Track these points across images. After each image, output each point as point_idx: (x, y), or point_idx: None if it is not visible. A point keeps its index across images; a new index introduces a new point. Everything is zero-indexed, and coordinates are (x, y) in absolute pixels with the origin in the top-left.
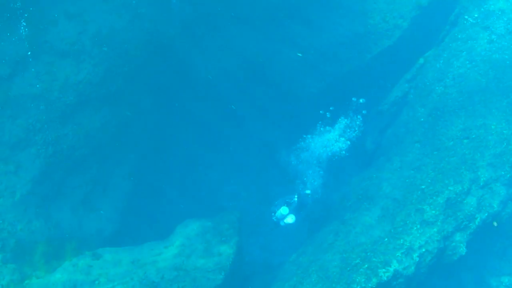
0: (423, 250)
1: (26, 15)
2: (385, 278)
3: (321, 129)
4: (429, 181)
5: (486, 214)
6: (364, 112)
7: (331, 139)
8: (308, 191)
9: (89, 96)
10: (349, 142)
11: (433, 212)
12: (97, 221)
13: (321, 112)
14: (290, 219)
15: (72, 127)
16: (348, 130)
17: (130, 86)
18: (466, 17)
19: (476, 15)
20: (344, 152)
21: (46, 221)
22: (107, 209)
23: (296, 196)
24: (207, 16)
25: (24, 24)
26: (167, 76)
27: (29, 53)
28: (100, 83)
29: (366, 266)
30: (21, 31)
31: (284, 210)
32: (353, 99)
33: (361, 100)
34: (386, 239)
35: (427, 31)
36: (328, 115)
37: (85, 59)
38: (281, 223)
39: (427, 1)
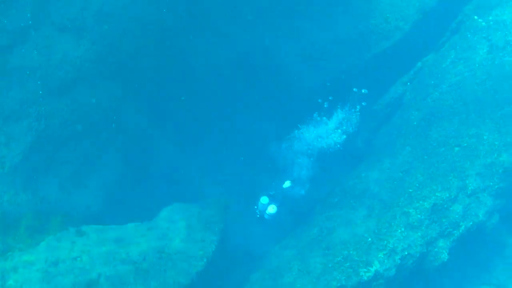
0: (406, 253)
1: None
2: (366, 278)
3: (317, 120)
4: (417, 185)
5: (471, 223)
6: (363, 104)
7: (325, 132)
8: (288, 182)
9: (86, 73)
10: (345, 136)
11: (419, 216)
12: (84, 197)
13: (319, 101)
14: (272, 209)
15: (66, 102)
16: (344, 124)
17: (128, 66)
18: (468, 25)
19: (478, 25)
20: (338, 145)
21: (33, 194)
22: (95, 186)
23: (285, 185)
24: (210, 7)
25: None
26: (165, 60)
27: (30, 22)
28: (98, 60)
29: (347, 264)
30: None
31: (264, 199)
32: (354, 89)
33: (363, 91)
34: (369, 239)
35: (428, 35)
36: (325, 105)
37: (85, 36)
38: (265, 215)
39: (430, 6)
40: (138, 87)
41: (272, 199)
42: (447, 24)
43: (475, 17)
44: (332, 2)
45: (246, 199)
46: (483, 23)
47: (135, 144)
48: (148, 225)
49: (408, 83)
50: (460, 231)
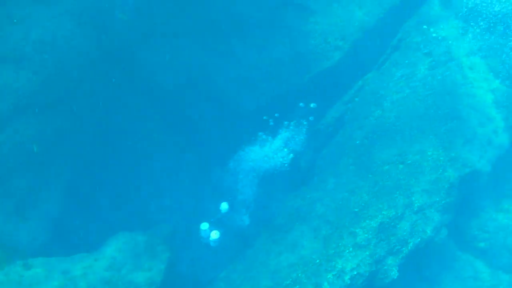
0: (355, 273)
1: None
2: None
3: (261, 142)
4: (363, 204)
5: (419, 239)
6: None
7: (271, 151)
8: (225, 204)
9: (27, 103)
10: (292, 155)
11: (366, 235)
12: (30, 229)
13: (264, 118)
14: (215, 235)
15: (8, 134)
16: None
17: (70, 95)
18: (408, 42)
19: (418, 41)
20: (283, 166)
21: None
22: (40, 218)
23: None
24: (152, 28)
25: None
26: (106, 88)
27: None
28: (39, 90)
29: (297, 287)
30: None
31: (204, 225)
32: (300, 104)
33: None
34: (318, 260)
35: (368, 54)
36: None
37: (25, 66)
38: (209, 242)
39: (370, 24)
40: (80, 116)
41: (214, 225)
42: (388, 42)
43: (415, 33)
44: (271, 24)
45: (191, 224)
46: (424, 40)
47: (79, 173)
48: (95, 255)
49: (350, 102)
50: (409, 248)
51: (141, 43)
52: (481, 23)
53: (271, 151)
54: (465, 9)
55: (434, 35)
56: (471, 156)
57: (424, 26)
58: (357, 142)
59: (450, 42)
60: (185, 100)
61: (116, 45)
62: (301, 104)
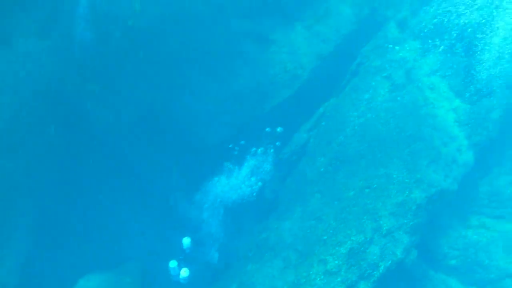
0: None
1: None
2: None
3: (227, 172)
4: (331, 231)
5: (390, 262)
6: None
7: (238, 181)
8: (187, 239)
9: None
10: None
11: (336, 262)
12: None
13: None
14: (184, 273)
15: None
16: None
17: (32, 135)
18: (367, 66)
19: (377, 64)
20: (251, 196)
21: None
22: (9, 262)
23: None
24: (109, 64)
25: None
26: (65, 130)
27: None
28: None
29: None
30: None
31: (172, 263)
32: (266, 129)
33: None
34: None
35: (328, 80)
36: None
37: None
38: (180, 280)
39: (328, 51)
40: (40, 159)
41: (182, 262)
42: (347, 67)
43: (374, 56)
44: (230, 56)
45: (161, 261)
46: (383, 63)
47: (46, 215)
48: None
49: (312, 130)
50: (380, 271)
51: (100, 78)
52: (440, 43)
53: (237, 181)
54: (423, 30)
55: (392, 58)
56: (437, 176)
57: (382, 49)
58: (322, 169)
59: (409, 63)
60: (147, 135)
61: (74, 85)
62: (267, 129)
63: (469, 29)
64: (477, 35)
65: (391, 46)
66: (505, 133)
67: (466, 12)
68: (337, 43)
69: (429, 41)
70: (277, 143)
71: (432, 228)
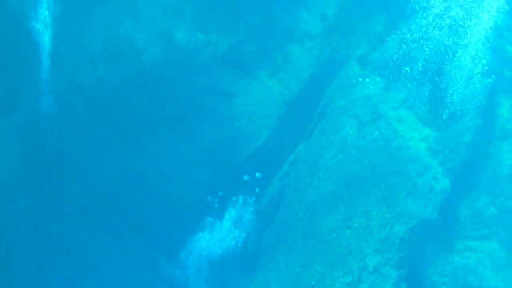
0: None
1: None
2: None
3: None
4: (318, 276)
5: None
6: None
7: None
8: None
9: None
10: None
11: None
12: None
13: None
14: None
15: None
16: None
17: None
18: (332, 107)
19: (342, 104)
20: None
21: None
22: None
23: None
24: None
25: None
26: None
27: None
28: None
29: None
30: None
31: None
32: (245, 177)
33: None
34: None
35: (296, 126)
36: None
37: None
38: None
39: (292, 96)
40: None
41: None
42: (313, 110)
43: (338, 97)
44: (195, 113)
45: None
46: (348, 103)
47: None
48: None
49: (285, 178)
50: None
51: (70, 147)
52: (402, 76)
53: (220, 235)
54: (384, 65)
55: (357, 95)
56: (416, 207)
57: (346, 88)
58: (300, 215)
59: (374, 99)
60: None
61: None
62: (245, 177)
63: (436, 54)
64: (446, 57)
65: (354, 83)
66: (479, 153)
67: (432, 37)
68: (300, 88)
69: (392, 75)
70: (256, 190)
71: (420, 258)
